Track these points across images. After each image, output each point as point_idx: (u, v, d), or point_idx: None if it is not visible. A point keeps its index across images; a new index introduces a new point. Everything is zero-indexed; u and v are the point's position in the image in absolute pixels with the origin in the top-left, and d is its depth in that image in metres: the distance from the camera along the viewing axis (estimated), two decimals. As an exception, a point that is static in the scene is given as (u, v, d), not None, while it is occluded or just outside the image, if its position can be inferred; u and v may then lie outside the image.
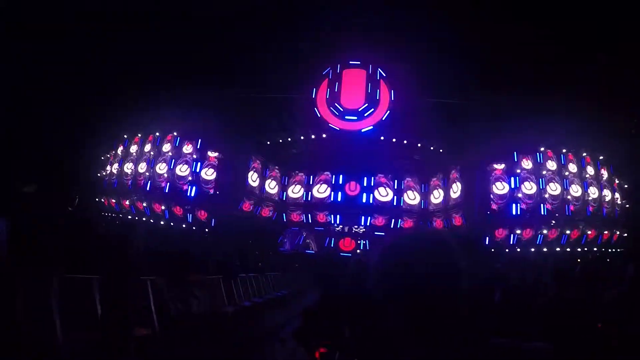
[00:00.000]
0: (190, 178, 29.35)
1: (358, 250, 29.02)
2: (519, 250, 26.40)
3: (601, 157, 29.73)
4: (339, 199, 31.72)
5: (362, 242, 29.76)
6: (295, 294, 15.68)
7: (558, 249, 26.38)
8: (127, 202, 29.89)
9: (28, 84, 25.63)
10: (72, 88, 27.61)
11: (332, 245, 29.81)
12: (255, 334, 9.38)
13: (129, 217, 29.44)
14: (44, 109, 26.93)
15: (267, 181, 32.62)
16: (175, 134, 30.31)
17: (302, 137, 32.88)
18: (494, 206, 27.89)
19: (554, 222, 26.98)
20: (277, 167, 33.34)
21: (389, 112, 31.63)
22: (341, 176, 32.03)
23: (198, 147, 29.96)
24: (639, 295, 3.40)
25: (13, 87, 24.10)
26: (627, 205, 29.60)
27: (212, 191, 29.46)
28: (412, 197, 32.18)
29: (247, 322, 9.34)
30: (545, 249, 26.31)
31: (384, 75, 32.34)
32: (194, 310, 7.52)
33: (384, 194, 31.68)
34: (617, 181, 30.15)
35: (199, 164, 29.62)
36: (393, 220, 30.81)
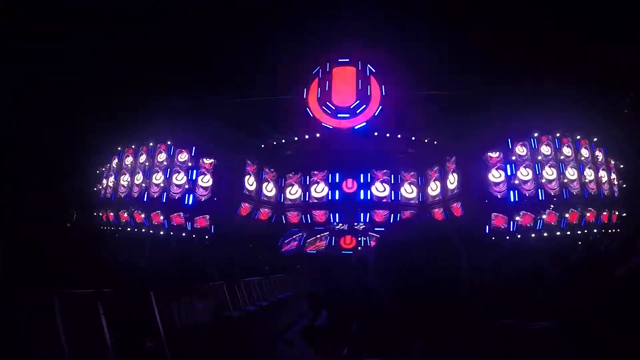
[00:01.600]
0: (187, 186, 29.33)
1: (359, 247, 28.95)
2: (519, 236, 26.40)
3: (595, 139, 29.74)
4: (337, 197, 31.72)
5: (363, 238, 29.69)
6: (298, 295, 15.65)
7: (558, 233, 26.39)
8: (126, 215, 29.80)
9: (18, 107, 25.60)
10: (63, 105, 27.56)
11: (333, 244, 29.73)
12: (262, 337, 9.38)
13: (128, 229, 29.35)
14: (37, 127, 26.88)
15: (264, 184, 32.59)
16: (169, 143, 30.27)
17: (295, 138, 32.84)
18: (492, 194, 27.93)
19: (552, 206, 26.98)
20: (272, 169, 33.30)
21: (380, 107, 31.66)
22: (337, 174, 32.02)
23: (192, 154, 29.94)
24: (638, 294, 3.39)
25: None
26: (624, 185, 29.66)
27: (209, 198, 29.42)
28: (409, 191, 32.19)
29: (252, 326, 9.33)
30: (545, 234, 26.33)
31: (374, 71, 32.36)
32: (199, 318, 7.50)
33: (381, 190, 31.69)
34: (612, 162, 30.20)
35: (194, 171, 29.61)
36: (392, 215, 30.79)
